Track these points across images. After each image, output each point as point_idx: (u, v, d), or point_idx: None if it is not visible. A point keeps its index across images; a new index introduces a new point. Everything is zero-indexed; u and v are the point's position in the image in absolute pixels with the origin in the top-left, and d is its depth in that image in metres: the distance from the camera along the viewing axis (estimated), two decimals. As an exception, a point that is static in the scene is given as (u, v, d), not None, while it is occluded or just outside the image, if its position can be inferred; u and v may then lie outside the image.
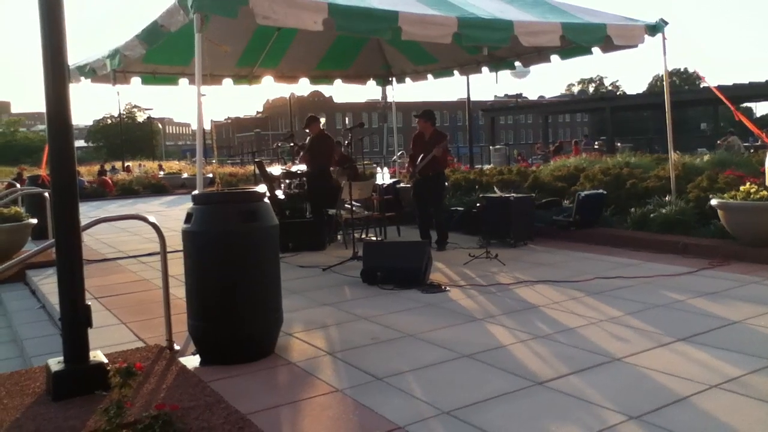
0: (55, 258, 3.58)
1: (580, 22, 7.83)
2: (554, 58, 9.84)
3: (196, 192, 4.60)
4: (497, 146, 33.09)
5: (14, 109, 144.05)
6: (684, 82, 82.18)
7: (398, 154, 16.67)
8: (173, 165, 39.45)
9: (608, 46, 8.60)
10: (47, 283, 6.84)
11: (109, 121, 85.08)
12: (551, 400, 3.44)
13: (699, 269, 6.51)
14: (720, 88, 10.43)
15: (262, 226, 4.25)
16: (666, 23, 8.51)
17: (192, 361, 4.18)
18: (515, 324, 4.86)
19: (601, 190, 9.38)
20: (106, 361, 3.56)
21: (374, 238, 9.14)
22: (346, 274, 6.87)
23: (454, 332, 4.72)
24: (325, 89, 70.20)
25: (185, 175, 27.27)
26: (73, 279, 3.57)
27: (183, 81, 10.87)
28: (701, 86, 49.15)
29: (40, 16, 3.51)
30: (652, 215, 8.29)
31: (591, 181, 10.24)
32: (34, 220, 8.93)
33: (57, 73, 3.53)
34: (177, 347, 4.42)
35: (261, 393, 3.68)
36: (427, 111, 8.57)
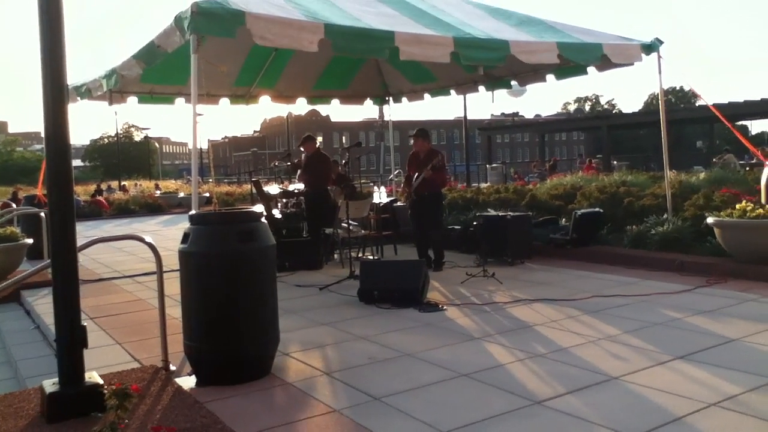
0: (51, 279, 3.57)
1: (576, 42, 7.90)
2: (550, 77, 9.93)
3: (193, 212, 4.60)
4: (494, 164, 33.24)
5: (11, 129, 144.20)
6: (680, 101, 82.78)
7: (395, 172, 16.72)
8: (170, 184, 39.46)
9: (604, 64, 8.67)
10: (42, 304, 6.81)
11: (106, 141, 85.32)
12: (550, 420, 3.41)
13: (696, 287, 6.50)
14: (716, 106, 10.49)
15: (259, 247, 4.24)
16: (661, 42, 8.59)
17: (188, 382, 4.15)
18: (513, 343, 4.84)
19: (597, 209, 9.40)
20: (101, 382, 3.53)
21: (371, 257, 9.13)
22: (343, 293, 6.85)
23: (452, 351, 4.70)
24: (323, 108, 70.52)
25: (182, 195, 27.26)
26: (68, 300, 3.55)
27: (179, 100, 10.91)
28: (697, 104, 49.52)
29: (41, 39, 3.52)
30: (649, 233, 8.30)
31: (588, 199, 10.27)
32: (30, 241, 8.89)
33: (56, 95, 3.53)
34: (173, 368, 4.39)
35: (258, 414, 3.65)
36: (420, 129, 8.51)
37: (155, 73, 9.26)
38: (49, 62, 3.52)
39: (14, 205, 13.83)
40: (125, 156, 70.27)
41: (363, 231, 9.25)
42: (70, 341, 3.50)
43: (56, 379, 3.52)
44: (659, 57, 8.58)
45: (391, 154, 16.42)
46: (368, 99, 12.97)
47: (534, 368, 4.26)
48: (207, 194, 17.70)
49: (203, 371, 4.18)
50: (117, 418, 2.87)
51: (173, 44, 6.52)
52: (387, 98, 12.90)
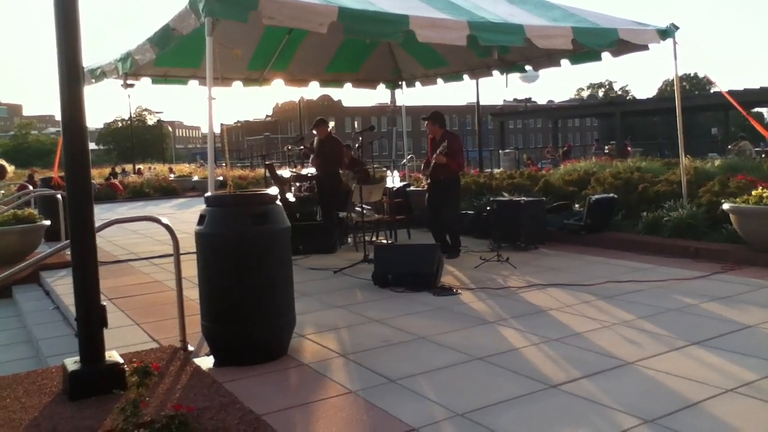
0: (71, 259, 3.61)
1: (591, 27, 7.84)
2: (564, 62, 9.87)
3: (209, 194, 4.63)
4: (507, 150, 33.10)
5: (26, 112, 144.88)
6: (694, 88, 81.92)
7: (408, 157, 16.70)
8: (183, 168, 39.60)
9: (619, 49, 8.61)
10: (61, 284, 6.89)
11: (119, 124, 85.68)
12: (564, 404, 3.43)
13: (711, 273, 6.48)
14: (731, 93, 10.39)
15: (275, 229, 4.26)
16: (677, 28, 8.52)
17: (206, 362, 4.20)
18: (527, 327, 4.86)
19: (612, 194, 9.36)
20: (121, 361, 3.58)
21: (384, 241, 9.15)
22: (357, 276, 6.88)
23: (466, 335, 4.73)
24: (335, 93, 70.47)
25: (195, 178, 27.37)
26: (88, 280, 3.59)
27: (193, 82, 10.92)
28: (712, 91, 48.95)
29: (56, 20, 3.53)
30: (663, 219, 8.27)
31: (602, 185, 10.22)
32: (47, 222, 8.98)
33: (71, 75, 3.55)
34: (191, 348, 4.45)
35: (275, 394, 3.70)
36: (434, 113, 8.22)
37: (169, 56, 9.28)
38: (65, 43, 3.53)
39: (31, 188, 13.92)
40: (138, 139, 70.60)
41: (376, 215, 9.26)
42: (91, 320, 3.56)
43: (77, 358, 3.58)
44: (675, 43, 8.51)
45: (404, 140, 16.42)
46: (381, 83, 12.93)
47: (548, 352, 4.27)
48: (220, 178, 17.74)
49: (221, 352, 4.24)
50: (138, 395, 2.92)
51: (188, 27, 6.53)
52: (400, 83, 12.86)
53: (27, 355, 5.33)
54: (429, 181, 8.17)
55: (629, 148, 28.50)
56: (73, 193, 3.60)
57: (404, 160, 16.23)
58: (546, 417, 3.27)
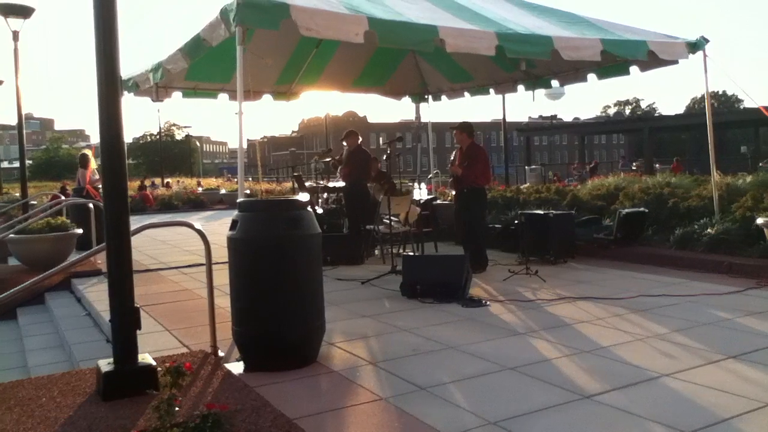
0: (106, 260, 3.66)
1: (620, 39, 7.79)
2: (591, 77, 9.79)
3: (241, 199, 4.66)
4: (533, 166, 32.92)
5: (57, 126, 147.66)
6: (723, 106, 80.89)
7: (434, 172, 16.70)
8: (211, 181, 40.03)
9: (647, 63, 8.55)
10: (92, 291, 6.97)
11: (149, 139, 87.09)
12: (598, 415, 3.38)
13: (746, 289, 6.36)
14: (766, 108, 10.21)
15: (305, 234, 4.29)
16: (707, 41, 8.43)
17: (236, 367, 4.21)
18: (558, 339, 4.80)
19: (642, 208, 9.25)
20: (154, 363, 3.61)
21: (411, 254, 9.12)
22: (385, 287, 6.87)
23: (496, 345, 4.68)
24: (360, 109, 70.94)
25: (223, 191, 27.66)
26: (122, 281, 3.64)
27: (222, 96, 11.04)
28: (742, 108, 48.18)
29: (96, 31, 3.60)
30: (695, 234, 8.14)
31: (631, 199, 10.11)
32: (80, 230, 9.10)
33: (110, 87, 3.62)
34: (221, 353, 4.46)
35: (305, 399, 3.69)
36: (463, 122, 8.14)
37: (199, 70, 9.42)
38: (104, 54, 3.59)
39: (63, 197, 14.14)
40: (167, 154, 71.58)
41: (403, 227, 9.24)
42: (124, 322, 3.60)
43: (111, 359, 3.62)
44: (705, 56, 8.42)
45: (429, 155, 16.43)
46: (406, 96, 12.96)
47: (581, 364, 4.21)
48: (248, 191, 17.92)
49: (251, 357, 4.25)
50: (171, 395, 2.93)
51: (218, 37, 6.61)
52: (426, 96, 12.89)
53: (60, 359, 5.40)
54: (452, 191, 8.17)
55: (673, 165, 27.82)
56: (111, 190, 3.65)
57: (430, 175, 16.24)
58: (579, 427, 3.22)
